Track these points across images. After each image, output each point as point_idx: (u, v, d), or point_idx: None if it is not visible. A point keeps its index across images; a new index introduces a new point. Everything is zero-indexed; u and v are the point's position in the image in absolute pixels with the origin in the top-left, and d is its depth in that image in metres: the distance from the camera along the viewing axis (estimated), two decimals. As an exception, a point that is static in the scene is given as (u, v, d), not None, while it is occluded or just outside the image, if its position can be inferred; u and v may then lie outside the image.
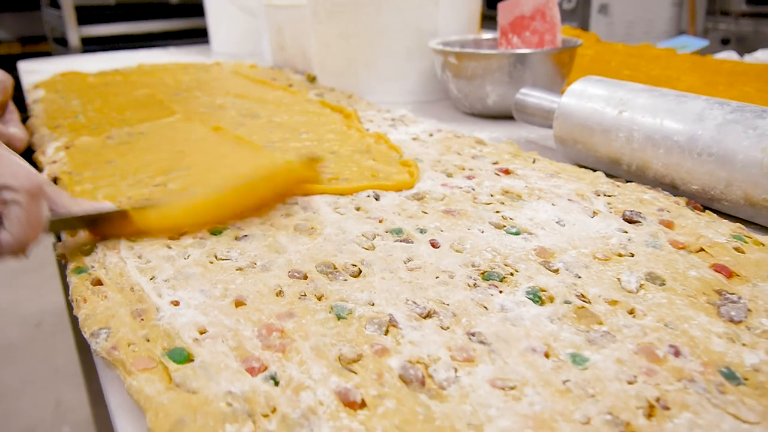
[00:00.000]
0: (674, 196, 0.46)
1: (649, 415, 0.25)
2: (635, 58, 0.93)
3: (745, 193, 0.43)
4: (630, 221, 0.42)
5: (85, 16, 2.03)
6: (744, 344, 0.29)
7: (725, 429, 0.24)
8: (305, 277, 0.35)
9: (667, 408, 0.26)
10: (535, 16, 0.71)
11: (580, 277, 0.35)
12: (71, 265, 0.37)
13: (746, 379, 0.27)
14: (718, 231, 0.40)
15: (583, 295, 0.34)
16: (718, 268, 0.36)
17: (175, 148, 0.54)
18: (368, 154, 0.54)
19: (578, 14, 1.69)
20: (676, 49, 0.97)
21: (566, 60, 0.69)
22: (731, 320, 0.31)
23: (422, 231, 0.40)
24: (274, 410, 0.25)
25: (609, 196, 0.46)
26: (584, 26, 1.70)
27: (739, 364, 0.28)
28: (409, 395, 0.26)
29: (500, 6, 0.74)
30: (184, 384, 0.27)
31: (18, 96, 0.70)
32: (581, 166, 0.54)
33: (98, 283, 0.35)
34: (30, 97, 0.80)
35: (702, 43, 1.04)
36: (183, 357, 0.28)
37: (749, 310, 0.32)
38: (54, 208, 0.38)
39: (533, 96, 0.58)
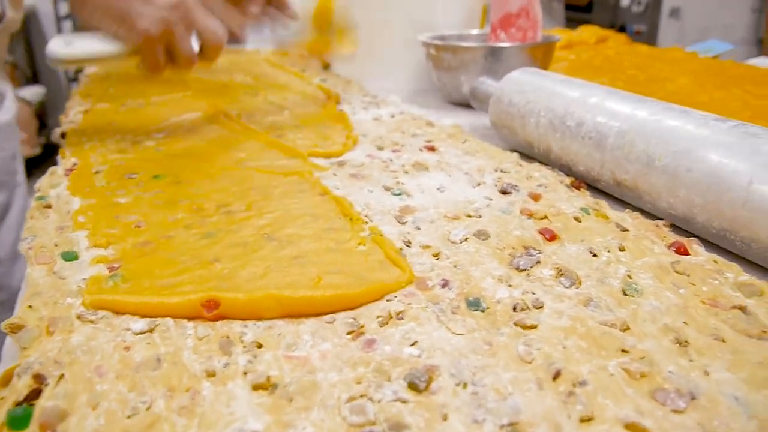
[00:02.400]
0: (567, 176, 0.51)
1: (383, 324, 0.32)
2: (650, 59, 0.95)
3: (612, 173, 0.47)
4: (504, 192, 0.48)
5: None
6: (510, 285, 0.35)
7: (434, 336, 0.31)
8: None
9: (400, 318, 0.32)
10: (520, 14, 0.76)
11: (419, 229, 0.42)
12: (36, 194, 0.48)
13: (487, 307, 0.33)
14: (573, 204, 0.45)
15: (408, 242, 0.40)
16: (543, 231, 0.41)
17: (169, 117, 0.65)
18: (325, 127, 0.62)
19: (647, 17, 1.67)
20: (699, 53, 0.97)
21: (540, 55, 0.73)
22: (516, 268, 0.37)
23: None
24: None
25: (504, 172, 0.52)
26: (653, 30, 1.67)
27: (490, 297, 0.34)
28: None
29: (492, 2, 0.79)
30: (59, 273, 0.36)
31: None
32: (514, 150, 0.59)
33: (48, 207, 0.45)
34: (88, 70, 0.95)
35: (725, 47, 1.03)
36: (71, 257, 0.38)
37: (538, 262, 0.38)
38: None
39: (485, 84, 0.64)
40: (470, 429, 0.25)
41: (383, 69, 0.86)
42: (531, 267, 0.37)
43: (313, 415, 0.26)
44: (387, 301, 0.34)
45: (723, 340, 0.30)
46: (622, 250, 0.39)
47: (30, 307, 0.33)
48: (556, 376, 0.28)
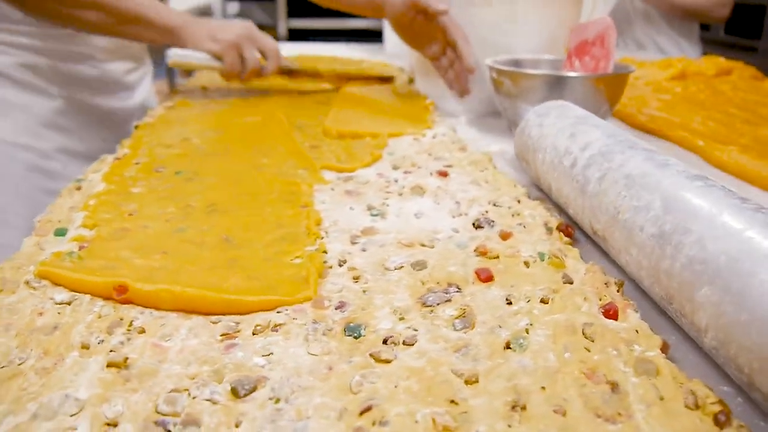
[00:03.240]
0: (566, 218, 0.49)
1: (257, 332, 0.34)
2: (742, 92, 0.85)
3: (590, 220, 0.45)
4: (477, 226, 0.47)
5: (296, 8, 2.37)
6: (401, 318, 0.36)
7: (290, 351, 0.33)
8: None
9: (275, 330, 0.34)
10: (595, 42, 0.73)
11: (364, 251, 0.43)
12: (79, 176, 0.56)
13: (364, 335, 0.34)
14: (537, 248, 0.44)
15: (343, 261, 0.42)
16: (480, 271, 0.40)
17: (232, 119, 0.72)
18: (358, 143, 0.65)
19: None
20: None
21: (606, 87, 0.70)
22: (423, 303, 0.37)
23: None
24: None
25: (496, 206, 0.51)
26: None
27: (373, 326, 0.35)
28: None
29: (571, 30, 0.77)
30: (41, 244, 0.43)
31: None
32: (536, 184, 0.58)
33: (78, 188, 0.53)
34: (196, 73, 1.05)
35: None
36: (61, 233, 0.45)
37: (448, 301, 0.38)
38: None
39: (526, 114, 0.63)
40: (247, 440, 0.27)
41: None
42: (438, 304, 0.37)
43: (135, 396, 0.29)
44: (277, 312, 0.36)
45: (564, 414, 0.29)
46: (544, 302, 0.37)
47: (1, 268, 0.40)
48: (365, 410, 0.28)
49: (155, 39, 0.78)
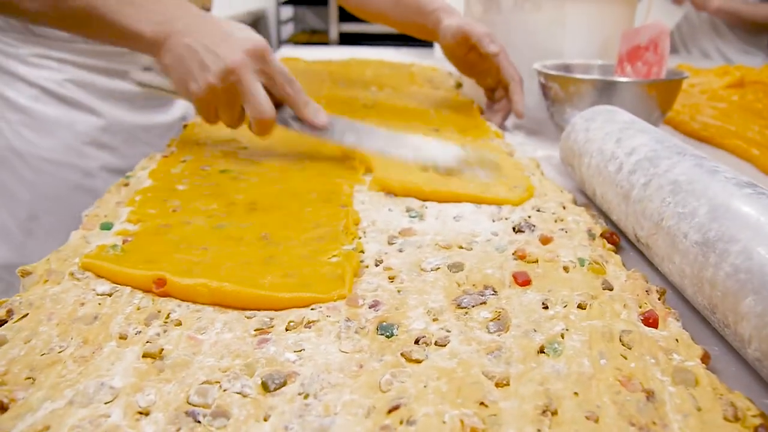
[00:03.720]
0: (611, 226, 0.48)
1: (290, 328, 0.35)
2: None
3: (633, 227, 0.44)
4: (517, 230, 0.47)
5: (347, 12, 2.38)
6: (435, 319, 0.36)
7: (321, 348, 0.33)
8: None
9: (308, 327, 0.35)
10: (649, 47, 0.71)
11: (401, 251, 0.43)
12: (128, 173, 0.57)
13: (396, 335, 0.34)
14: (577, 253, 0.43)
15: (380, 261, 0.42)
16: (518, 275, 0.40)
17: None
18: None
19: None
20: None
21: (658, 93, 0.68)
22: (458, 305, 0.37)
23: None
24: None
25: (540, 211, 0.50)
26: None
27: (405, 326, 0.35)
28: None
29: (623, 34, 0.75)
30: (88, 237, 0.44)
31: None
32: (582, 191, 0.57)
33: (125, 185, 0.55)
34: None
35: None
36: (107, 227, 0.46)
37: (483, 303, 0.37)
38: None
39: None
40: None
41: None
42: (472, 306, 0.37)
43: (167, 387, 0.30)
44: (311, 309, 0.36)
45: (596, 420, 0.28)
46: (581, 307, 0.36)
47: (48, 260, 0.41)
48: (393, 409, 0.28)
49: (126, 45, 0.60)
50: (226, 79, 0.54)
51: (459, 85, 0.96)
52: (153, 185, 0.53)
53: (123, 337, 0.33)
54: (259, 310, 0.36)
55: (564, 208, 0.51)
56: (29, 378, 0.30)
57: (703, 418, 0.28)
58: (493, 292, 0.38)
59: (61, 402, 0.28)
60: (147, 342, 0.33)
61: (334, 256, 0.42)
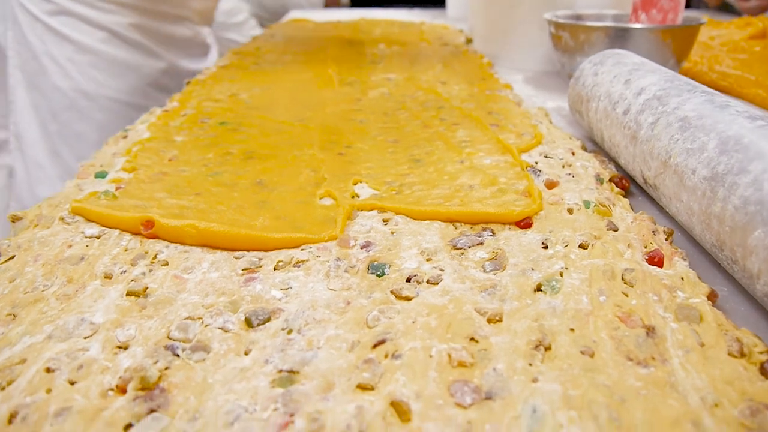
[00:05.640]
0: (621, 171, 0.47)
1: (278, 267, 0.34)
2: None
3: (641, 169, 0.42)
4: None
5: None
6: (428, 259, 0.34)
7: (309, 286, 0.32)
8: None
9: (297, 266, 0.34)
10: (664, -7, 0.68)
11: (397, 194, 0.42)
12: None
13: (388, 274, 0.33)
14: (582, 196, 0.41)
15: (376, 204, 0.41)
16: (522, 219, 0.38)
17: (283, 78, 0.71)
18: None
19: None
20: None
21: (673, 40, 0.65)
22: (454, 246, 0.36)
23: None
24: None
25: (547, 157, 0.48)
26: None
27: (398, 266, 0.34)
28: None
29: (639, -19, 0.72)
30: (81, 185, 0.44)
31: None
32: (592, 139, 0.55)
33: (124, 137, 0.54)
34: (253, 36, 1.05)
35: None
36: (101, 175, 0.45)
37: (480, 243, 0.36)
38: None
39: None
40: (254, 365, 0.26)
41: (516, 47, 0.83)
42: (469, 247, 0.35)
43: (149, 323, 0.29)
44: (301, 249, 0.35)
45: (591, 355, 0.26)
46: (582, 247, 0.35)
47: (39, 206, 0.40)
48: (378, 344, 0.27)
49: None
50: None
51: (469, 41, 0.93)
52: (151, 137, 0.52)
53: (108, 277, 0.33)
54: (248, 251, 0.35)
55: (573, 154, 0.49)
56: (10, 314, 0.30)
57: (706, 353, 0.27)
58: (491, 234, 0.37)
59: (40, 336, 0.28)
60: (132, 281, 0.32)
61: (327, 198, 0.41)
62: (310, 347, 0.27)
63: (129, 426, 0.23)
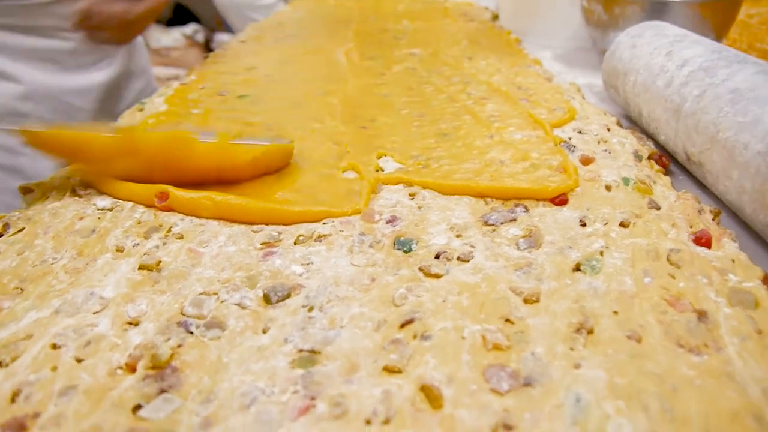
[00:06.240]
0: (660, 149, 0.44)
1: (299, 242, 0.32)
2: None
3: (684, 145, 0.39)
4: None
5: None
6: (458, 235, 0.32)
7: (332, 262, 0.30)
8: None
9: (318, 241, 0.32)
10: (705, -35, 0.65)
11: (425, 168, 0.40)
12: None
13: (415, 250, 0.31)
14: (621, 173, 0.38)
15: (402, 177, 0.39)
16: (557, 196, 0.36)
17: (302, 53, 0.69)
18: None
19: None
20: None
21: (713, 14, 0.62)
22: (485, 222, 0.34)
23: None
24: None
25: (581, 133, 0.46)
26: None
27: (425, 241, 0.32)
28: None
29: (677, -47, 0.68)
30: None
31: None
32: (627, 116, 0.52)
33: (141, 110, 0.52)
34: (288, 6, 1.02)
35: None
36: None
37: (513, 220, 0.34)
38: None
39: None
40: (272, 344, 0.24)
41: (545, 23, 0.79)
42: (501, 224, 0.33)
43: (161, 298, 0.27)
44: (323, 224, 0.33)
45: (638, 340, 0.24)
46: (623, 225, 0.33)
47: (52, 178, 0.39)
48: (406, 323, 0.25)
49: None
50: None
51: (495, 17, 0.90)
52: (167, 110, 0.51)
53: (120, 250, 0.31)
54: (267, 224, 0.33)
55: (608, 130, 0.46)
56: (17, 288, 0.28)
57: (765, 342, 0.24)
58: (524, 210, 0.34)
59: (47, 311, 0.26)
60: (144, 254, 0.31)
61: (351, 170, 0.39)
62: (333, 326, 0.25)
63: (138, 407, 0.21)
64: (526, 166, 0.39)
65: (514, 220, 0.33)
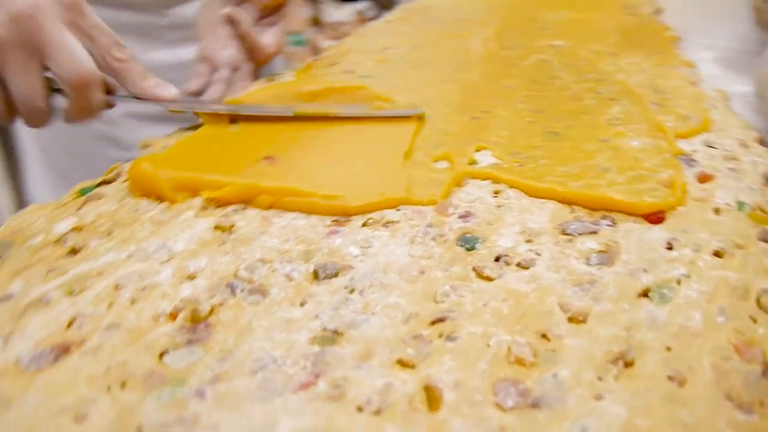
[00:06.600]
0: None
1: (366, 225, 0.32)
2: None
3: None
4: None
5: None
6: (528, 240, 0.31)
7: (389, 248, 0.30)
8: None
9: (385, 227, 0.32)
10: None
11: (521, 166, 0.38)
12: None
13: (478, 250, 0.30)
14: (738, 196, 0.35)
15: (491, 174, 0.38)
16: (653, 213, 0.33)
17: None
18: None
19: None
20: None
21: None
22: (563, 231, 0.32)
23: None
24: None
25: (711, 147, 0.41)
26: None
27: (492, 242, 0.31)
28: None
29: None
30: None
31: None
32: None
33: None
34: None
35: None
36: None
37: (593, 232, 0.32)
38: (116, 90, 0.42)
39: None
40: (303, 318, 0.25)
41: (712, 23, 0.72)
42: (579, 234, 0.31)
43: (222, 258, 0.29)
44: (397, 210, 0.33)
45: (681, 383, 0.22)
46: (718, 255, 0.29)
47: (170, 136, 0.43)
48: (436, 321, 0.25)
49: None
50: (20, 26, 0.36)
51: (658, 11, 0.83)
52: (293, 81, 0.53)
53: (204, 208, 0.33)
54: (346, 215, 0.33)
55: (745, 146, 0.41)
56: (108, 231, 0.31)
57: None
58: (610, 224, 0.32)
59: (122, 255, 0.29)
60: (222, 216, 0.33)
61: (444, 161, 0.39)
62: (365, 311, 0.25)
63: (165, 353, 0.23)
64: (631, 177, 0.36)
65: (595, 232, 0.31)
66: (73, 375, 0.22)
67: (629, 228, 0.32)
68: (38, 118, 0.39)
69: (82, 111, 0.40)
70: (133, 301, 0.26)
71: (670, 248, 0.30)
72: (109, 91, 0.42)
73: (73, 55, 0.37)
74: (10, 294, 0.26)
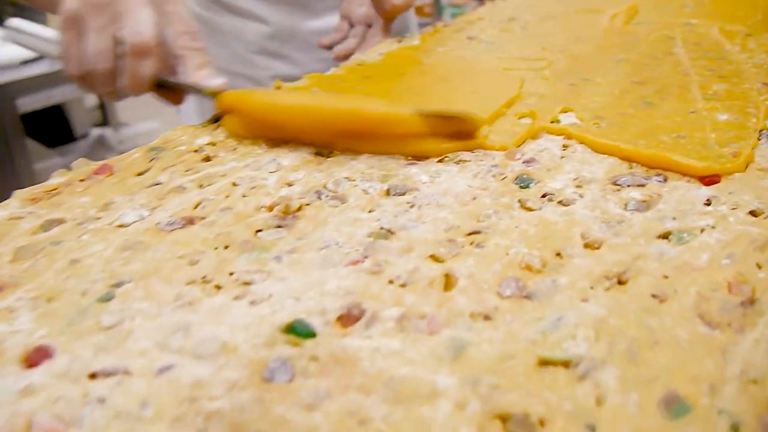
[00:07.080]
0: None
1: (441, 161, 0.38)
2: None
3: None
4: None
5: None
6: (578, 186, 0.35)
7: (449, 179, 0.36)
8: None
9: (457, 163, 0.38)
10: None
11: (599, 127, 0.42)
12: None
13: (532, 189, 0.35)
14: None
15: (564, 131, 0.42)
16: (708, 176, 0.35)
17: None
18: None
19: None
20: None
21: None
22: (614, 182, 0.35)
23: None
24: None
25: None
26: None
27: (547, 183, 0.35)
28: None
29: None
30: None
31: None
32: None
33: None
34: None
35: None
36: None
37: (640, 185, 0.35)
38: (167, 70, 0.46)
39: None
40: (368, 220, 0.32)
41: None
42: (627, 186, 0.35)
43: (316, 174, 0.36)
44: (471, 152, 0.39)
45: (661, 301, 0.26)
46: (754, 214, 0.32)
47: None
48: (472, 233, 0.30)
49: None
50: None
51: None
52: (419, 45, 0.59)
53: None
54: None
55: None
56: (233, 147, 0.40)
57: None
58: (661, 180, 0.35)
59: (242, 164, 0.37)
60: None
61: (528, 118, 0.43)
62: (417, 220, 0.31)
63: (259, 231, 0.31)
64: (701, 144, 0.38)
65: (643, 185, 0.35)
66: (192, 237, 0.30)
67: (677, 185, 0.35)
68: (107, 82, 0.45)
69: (134, 79, 0.44)
70: (243, 195, 0.34)
71: (708, 204, 0.33)
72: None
73: (140, 22, 0.42)
74: (159, 181, 0.36)
